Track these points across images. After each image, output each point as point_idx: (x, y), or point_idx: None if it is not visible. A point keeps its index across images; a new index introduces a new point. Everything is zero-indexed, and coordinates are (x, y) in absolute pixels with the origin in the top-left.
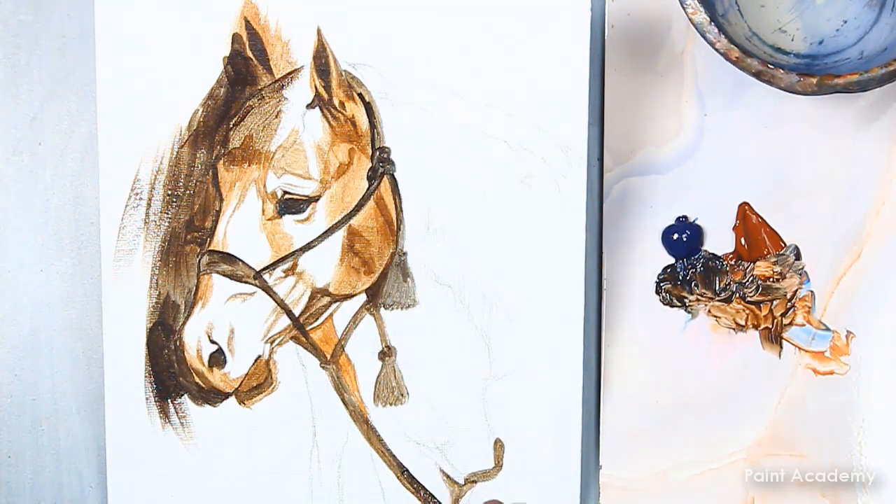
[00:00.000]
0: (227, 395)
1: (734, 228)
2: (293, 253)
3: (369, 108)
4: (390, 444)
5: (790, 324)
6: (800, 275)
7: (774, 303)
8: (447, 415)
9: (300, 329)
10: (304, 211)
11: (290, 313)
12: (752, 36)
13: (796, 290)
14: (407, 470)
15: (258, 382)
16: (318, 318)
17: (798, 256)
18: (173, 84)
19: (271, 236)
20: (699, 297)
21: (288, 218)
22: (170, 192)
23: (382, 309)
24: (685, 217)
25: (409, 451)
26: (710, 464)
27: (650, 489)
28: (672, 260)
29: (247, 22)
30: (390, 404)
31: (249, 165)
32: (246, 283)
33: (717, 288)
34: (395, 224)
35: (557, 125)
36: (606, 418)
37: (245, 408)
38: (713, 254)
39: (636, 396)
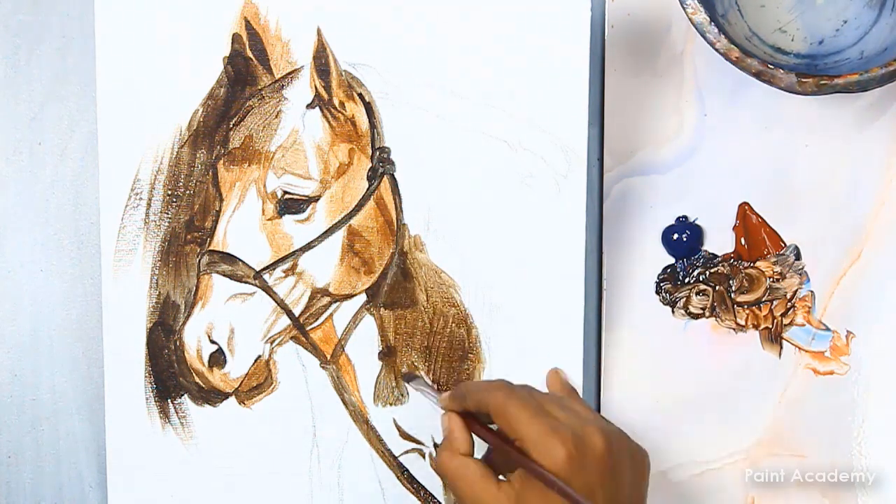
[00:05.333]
0: (227, 395)
1: (734, 228)
2: (293, 253)
3: (369, 108)
4: (390, 444)
5: (790, 324)
6: (800, 275)
7: (774, 303)
8: None
9: (300, 329)
10: (304, 211)
11: (290, 313)
12: (752, 36)
13: (796, 290)
14: (407, 470)
15: (258, 382)
16: (318, 318)
17: (798, 256)
18: (173, 84)
19: (271, 236)
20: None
21: (288, 218)
22: (170, 192)
23: (382, 309)
24: (685, 217)
25: (408, 451)
26: (710, 464)
27: (650, 489)
28: (672, 260)
29: (247, 22)
30: (390, 404)
31: (249, 165)
32: (246, 283)
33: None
34: (395, 224)
35: (557, 125)
36: (606, 418)
37: (245, 408)
38: (713, 254)
39: (636, 397)
